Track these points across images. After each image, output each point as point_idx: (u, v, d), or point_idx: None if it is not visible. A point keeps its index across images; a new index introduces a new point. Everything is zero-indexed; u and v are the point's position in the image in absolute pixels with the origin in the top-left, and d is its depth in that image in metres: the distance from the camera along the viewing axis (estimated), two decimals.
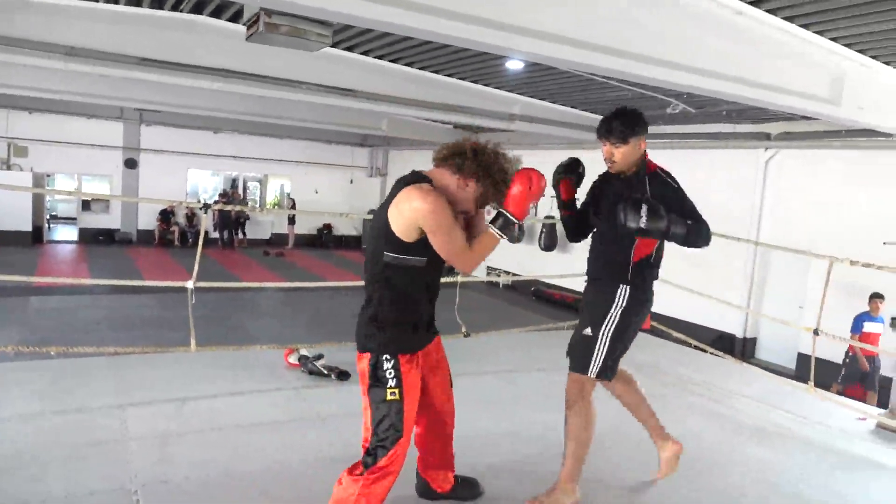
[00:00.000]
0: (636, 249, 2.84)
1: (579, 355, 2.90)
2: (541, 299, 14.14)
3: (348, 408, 3.94)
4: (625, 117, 2.84)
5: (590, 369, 2.85)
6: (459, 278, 5.26)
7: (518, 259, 14.92)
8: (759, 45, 5.61)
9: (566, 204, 3.11)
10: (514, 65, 8.30)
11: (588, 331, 2.87)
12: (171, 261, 15.78)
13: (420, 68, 9.02)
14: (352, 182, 21.79)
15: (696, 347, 5.76)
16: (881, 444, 4.08)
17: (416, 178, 2.36)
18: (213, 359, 4.62)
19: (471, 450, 3.46)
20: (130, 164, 18.52)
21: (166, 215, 18.90)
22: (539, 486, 3.02)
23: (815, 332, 4.61)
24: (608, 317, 2.83)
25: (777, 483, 3.39)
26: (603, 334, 2.83)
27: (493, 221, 2.35)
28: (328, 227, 21.53)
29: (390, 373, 2.32)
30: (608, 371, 2.87)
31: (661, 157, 11.59)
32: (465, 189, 2.35)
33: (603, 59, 4.99)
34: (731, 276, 10.30)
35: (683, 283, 6.95)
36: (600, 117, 9.32)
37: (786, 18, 5.35)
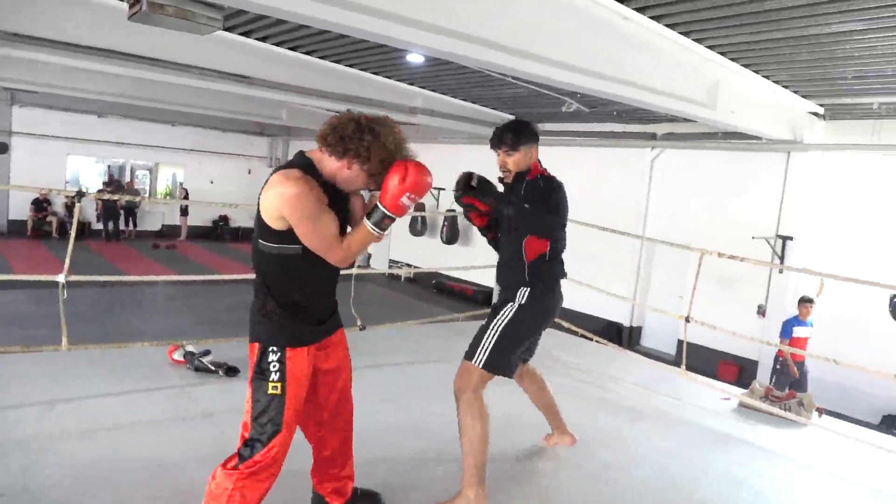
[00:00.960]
0: (527, 249, 2.90)
1: (471, 344, 2.93)
2: (442, 292, 14.30)
3: (235, 404, 3.79)
4: (515, 127, 2.94)
5: (475, 358, 2.85)
6: (355, 271, 5.22)
7: (420, 252, 15.01)
8: (645, 50, 5.93)
9: (482, 230, 3.14)
10: (415, 58, 8.30)
11: (484, 322, 2.95)
12: (48, 253, 14.62)
13: (320, 57, 8.84)
14: (250, 172, 21.05)
15: (582, 336, 6.02)
16: (742, 421, 4.45)
17: (293, 162, 2.23)
18: (89, 358, 4.32)
19: (366, 443, 3.45)
20: (0, 148, 16.96)
21: (40, 204, 17.48)
22: (435, 475, 3.05)
23: (687, 320, 4.95)
24: (503, 311, 2.89)
25: (647, 460, 3.62)
26: (494, 326, 2.87)
27: (368, 215, 2.23)
28: (224, 218, 20.71)
29: (274, 366, 2.22)
30: (498, 366, 2.85)
31: (556, 153, 12.06)
32: (349, 169, 2.20)
33: (501, 57, 5.10)
34: (619, 268, 10.84)
35: (573, 275, 7.25)
36: (499, 113, 9.56)
37: (668, 26, 5.67)
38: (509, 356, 2.88)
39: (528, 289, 2.89)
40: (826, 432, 4.30)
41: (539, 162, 3.01)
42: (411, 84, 10.39)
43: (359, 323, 4.99)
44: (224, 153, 20.42)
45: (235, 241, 20.18)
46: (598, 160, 11.54)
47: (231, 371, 4.23)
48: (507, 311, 2.88)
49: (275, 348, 2.23)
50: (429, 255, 14.37)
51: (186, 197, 19.16)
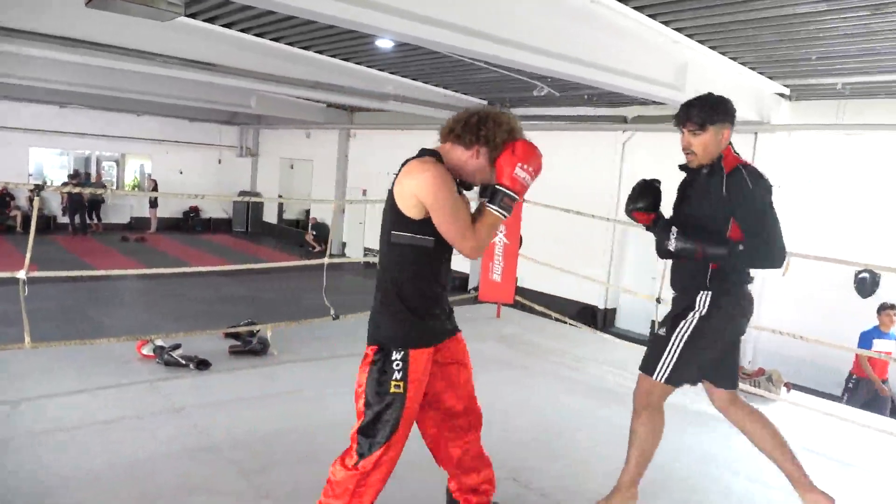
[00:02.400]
0: None
1: (649, 355, 2.68)
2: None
3: (207, 397, 3.79)
4: (705, 101, 2.58)
5: (657, 373, 2.60)
6: (326, 259, 5.17)
7: None
8: (613, 33, 5.93)
9: (650, 227, 2.83)
10: (385, 43, 8.21)
11: (662, 331, 2.67)
12: (12, 248, 14.26)
13: (288, 44, 8.69)
14: (220, 162, 20.75)
15: (556, 319, 6.06)
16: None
17: (422, 153, 2.23)
18: (54, 355, 4.23)
19: (339, 430, 3.45)
20: None
21: (2, 199, 17.02)
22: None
23: (658, 301, 5.01)
24: (685, 320, 2.59)
25: (621, 439, 3.65)
26: (676, 337, 2.58)
27: (490, 200, 2.18)
28: (195, 209, 20.40)
29: (398, 364, 2.17)
30: (681, 378, 2.63)
31: (529, 138, 11.94)
32: (478, 158, 2.20)
33: (471, 42, 5.07)
34: (593, 251, 10.92)
35: (548, 259, 7.29)
36: (471, 98, 9.46)
37: (636, 8, 5.67)
38: (693, 367, 2.65)
39: (710, 293, 2.57)
40: (794, 406, 4.40)
41: (732, 147, 2.62)
42: (382, 70, 10.27)
43: (332, 312, 4.96)
44: (193, 143, 20.06)
45: (207, 233, 19.92)
46: (571, 144, 11.57)
47: (202, 364, 4.18)
48: (689, 321, 2.58)
49: (399, 348, 2.19)
50: None
51: (155, 188, 18.82)
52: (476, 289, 6.43)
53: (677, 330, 2.59)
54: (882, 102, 8.00)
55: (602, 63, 6.07)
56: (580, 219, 6.57)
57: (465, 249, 2.16)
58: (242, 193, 19.99)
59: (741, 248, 2.43)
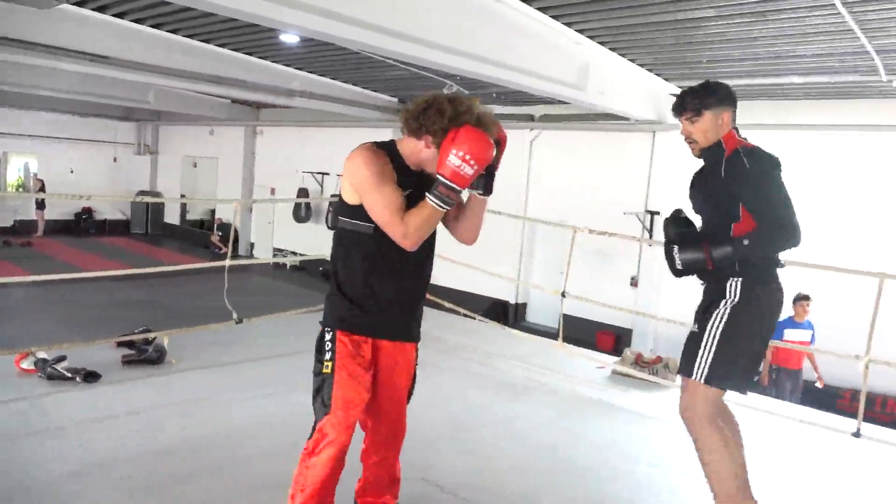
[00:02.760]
0: (736, 231, 2.39)
1: (685, 354, 2.48)
2: (330, 279, 14.02)
3: (94, 413, 3.53)
4: (699, 88, 2.52)
5: (695, 373, 2.39)
6: (228, 261, 4.96)
7: (305, 239, 14.65)
8: (519, 33, 6.03)
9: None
10: (290, 38, 7.98)
11: (694, 327, 2.48)
12: None
13: (187, 36, 8.29)
14: (116, 160, 19.59)
15: (465, 315, 6.11)
16: (615, 387, 4.71)
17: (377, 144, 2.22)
18: None
19: (246, 438, 3.31)
20: None
21: None
22: None
23: (563, 295, 5.14)
24: (717, 311, 2.41)
25: (526, 432, 3.73)
26: (709, 332, 2.40)
27: (430, 188, 2.06)
28: (88, 210, 19.16)
29: (328, 345, 2.20)
30: (723, 377, 2.39)
31: (488, 123, 11.87)
32: (429, 148, 2.12)
33: (377, 39, 5.00)
34: (504, 247, 11.09)
35: (459, 256, 7.33)
36: (381, 95, 9.35)
37: (540, 9, 5.79)
38: (735, 364, 2.40)
39: (741, 279, 2.39)
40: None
41: (737, 131, 2.51)
42: (288, 65, 10.01)
43: (235, 316, 4.76)
44: (85, 140, 18.84)
45: (101, 235, 18.76)
46: None
47: (90, 377, 3.89)
48: (722, 312, 2.40)
49: (329, 328, 2.21)
50: (315, 241, 14.02)
51: (42, 189, 17.50)
52: None
53: (710, 323, 2.40)
54: (765, 104, 8.58)
55: (508, 62, 6.16)
56: (490, 216, 6.64)
57: (397, 238, 2.08)
58: (141, 193, 18.96)
59: (746, 242, 2.29)
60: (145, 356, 4.24)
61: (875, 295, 3.85)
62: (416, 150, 2.15)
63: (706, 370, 2.37)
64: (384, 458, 2.39)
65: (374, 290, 2.19)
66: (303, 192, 14.60)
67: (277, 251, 15.70)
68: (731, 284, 2.40)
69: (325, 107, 11.24)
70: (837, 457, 3.73)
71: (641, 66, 7.70)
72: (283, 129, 15.67)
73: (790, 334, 6.71)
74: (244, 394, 3.97)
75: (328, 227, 13.98)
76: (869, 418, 4.42)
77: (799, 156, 8.41)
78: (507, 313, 11.23)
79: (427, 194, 2.06)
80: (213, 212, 18.55)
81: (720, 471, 2.35)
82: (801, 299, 6.74)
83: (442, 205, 2.05)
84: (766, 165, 2.37)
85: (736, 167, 2.38)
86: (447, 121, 2.05)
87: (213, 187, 17.98)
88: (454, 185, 2.03)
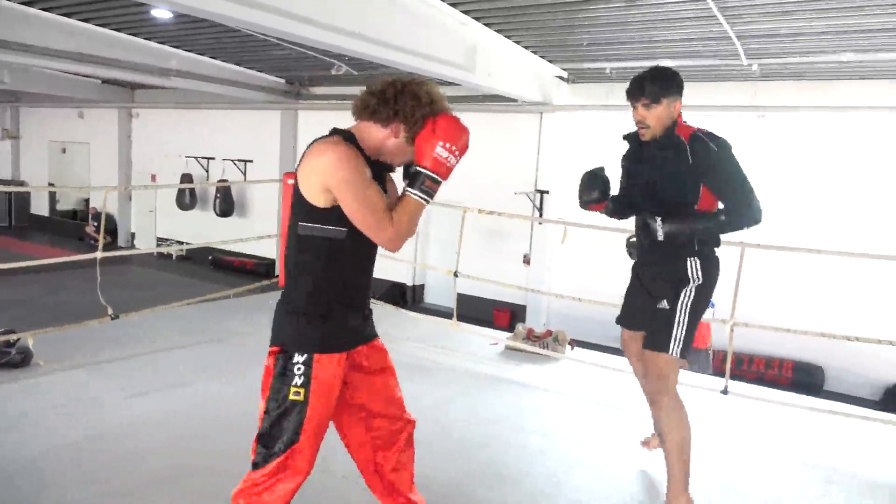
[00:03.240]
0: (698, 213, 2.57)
1: (657, 330, 2.59)
2: (220, 267, 13.48)
3: None
4: (657, 74, 2.57)
5: (671, 348, 2.54)
6: (99, 254, 4.63)
7: (191, 227, 13.97)
8: (404, 12, 5.98)
9: (606, 211, 2.88)
10: (162, 14, 7.49)
11: (664, 304, 2.59)
12: None
13: (44, 9, 7.59)
14: None
15: None
16: (508, 362, 4.87)
17: (333, 133, 1.95)
18: None
19: (124, 440, 3.12)
20: None
21: None
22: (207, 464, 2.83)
23: (455, 274, 5.22)
24: (685, 290, 2.56)
25: (422, 412, 3.75)
26: (681, 308, 2.55)
27: (410, 183, 1.93)
28: None
29: (299, 368, 1.91)
30: (687, 351, 2.58)
31: (329, 118, 11.78)
32: (397, 137, 1.94)
33: (253, 15, 4.77)
34: None
35: None
36: (265, 76, 8.93)
37: None
38: (692, 338, 2.61)
39: (698, 259, 2.56)
40: (577, 363, 4.84)
41: (682, 116, 2.62)
42: (163, 43, 9.40)
43: (110, 312, 4.46)
44: None
45: None
46: None
47: None
48: (689, 291, 2.56)
49: (300, 352, 1.92)
50: (202, 229, 13.40)
51: None
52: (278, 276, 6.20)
53: (680, 301, 2.55)
54: None
55: (395, 43, 6.11)
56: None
57: (384, 241, 1.92)
58: (1, 182, 17.29)
59: (723, 217, 2.47)
60: (7, 360, 3.88)
61: (737, 263, 4.18)
62: (379, 139, 1.96)
63: (681, 345, 2.54)
64: (401, 459, 2.21)
65: (353, 300, 2.03)
66: (186, 178, 13.87)
67: (161, 241, 14.86)
68: (691, 265, 2.55)
69: (207, 88, 10.68)
70: (707, 413, 4.03)
71: (527, 48, 7.88)
72: (161, 112, 14.76)
73: None
74: (120, 393, 3.74)
75: (216, 214, 13.40)
76: (736, 376, 4.84)
77: None
78: (405, 295, 11.27)
79: (410, 189, 1.93)
80: (87, 201, 17.24)
81: (677, 438, 2.53)
82: None
83: (428, 199, 1.95)
84: (729, 150, 2.50)
85: (702, 152, 2.47)
86: (426, 108, 1.93)
87: (85, 174, 16.69)
88: (439, 178, 1.93)
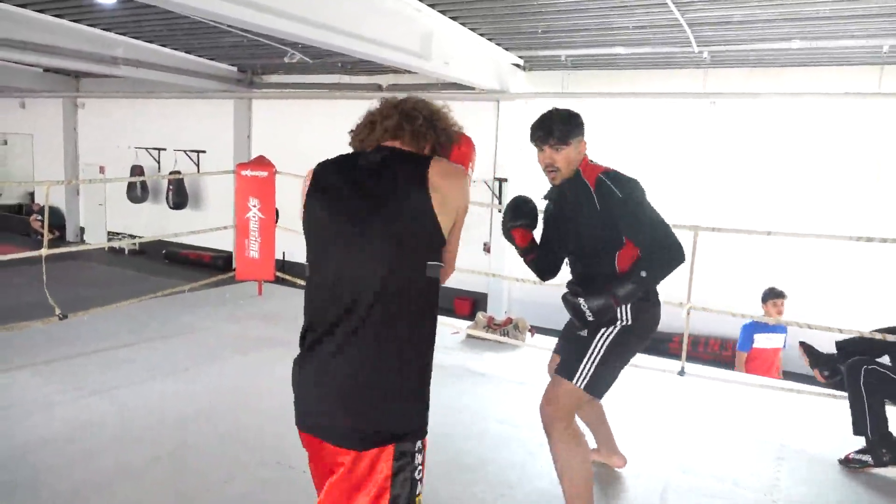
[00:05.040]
0: (619, 260, 2.40)
1: (567, 358, 2.46)
2: (175, 261, 13.14)
3: None
4: (565, 116, 2.45)
5: (577, 377, 2.36)
6: (44, 250, 4.44)
7: (143, 220, 13.59)
8: (363, 1, 5.89)
9: (526, 250, 2.63)
10: None
11: (584, 332, 2.42)
12: None
13: None
14: None
15: None
16: (469, 351, 4.89)
17: (413, 155, 1.61)
18: None
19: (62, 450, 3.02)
20: None
21: None
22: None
23: None
24: (608, 329, 2.39)
25: None
26: (596, 343, 2.38)
27: None
28: None
29: (418, 470, 1.50)
30: (598, 387, 2.40)
31: (284, 106, 11.66)
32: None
33: (204, 1, 4.64)
34: None
35: None
36: (218, 64, 8.71)
37: None
38: (612, 378, 2.44)
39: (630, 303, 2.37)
40: (537, 350, 4.87)
41: (588, 157, 2.51)
42: (108, 30, 9.06)
43: (58, 312, 4.29)
44: None
45: None
46: (328, 112, 11.38)
47: None
48: (611, 331, 2.39)
49: (419, 439, 1.53)
50: (154, 222, 13.05)
51: None
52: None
53: (600, 334, 2.39)
54: (598, 73, 9.12)
55: (350, 30, 6.00)
56: None
57: (449, 273, 1.64)
58: None
59: (644, 273, 2.27)
60: None
61: (691, 246, 4.25)
62: None
63: (587, 379, 2.36)
64: None
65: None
66: (137, 170, 13.44)
67: (112, 235, 14.41)
68: (621, 309, 2.37)
69: (157, 76, 10.33)
70: (664, 394, 4.12)
71: (482, 35, 7.84)
72: (109, 102, 14.24)
73: (761, 340, 5.26)
74: (68, 394, 3.60)
75: (169, 207, 13.05)
76: (693, 358, 4.95)
77: (625, 122, 9.09)
78: None
79: None
80: (31, 194, 16.58)
81: (573, 469, 2.36)
82: (773, 297, 5.21)
83: None
84: (635, 190, 2.37)
85: (608, 197, 2.35)
86: (452, 132, 1.72)
87: (29, 167, 16.04)
88: None
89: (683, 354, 4.36)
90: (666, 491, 2.97)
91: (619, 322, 2.39)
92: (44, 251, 4.41)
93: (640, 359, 4.65)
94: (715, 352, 8.60)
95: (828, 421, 3.81)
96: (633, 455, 3.09)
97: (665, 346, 7.72)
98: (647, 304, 2.43)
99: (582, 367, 2.37)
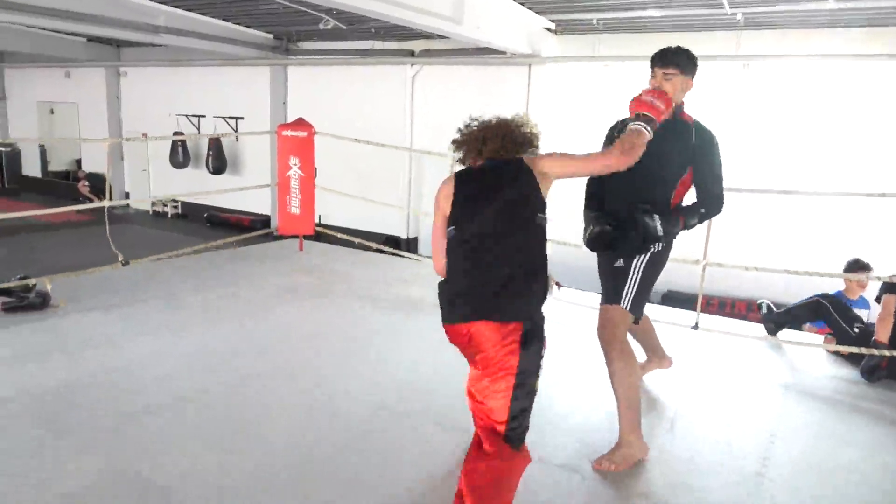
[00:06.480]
0: (678, 194, 2.77)
1: (610, 286, 2.78)
2: (216, 225, 13.64)
3: None
4: (686, 51, 2.71)
5: (623, 300, 2.72)
6: (107, 202, 4.82)
7: (185, 185, 14.07)
8: None
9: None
10: None
11: (620, 262, 2.75)
12: None
13: None
14: None
15: (360, 246, 6.30)
16: None
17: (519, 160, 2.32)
18: None
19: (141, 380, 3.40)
20: None
21: None
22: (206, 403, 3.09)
23: None
24: (642, 256, 2.73)
25: (419, 348, 4.05)
26: (635, 267, 2.72)
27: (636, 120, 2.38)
28: None
29: (542, 349, 2.14)
30: (640, 307, 2.77)
31: (320, 73, 11.89)
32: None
33: None
34: (392, 182, 11.26)
35: (349, 192, 7.45)
36: (255, 31, 9.06)
37: None
38: (647, 297, 2.82)
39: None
40: (563, 303, 5.12)
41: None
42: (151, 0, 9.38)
43: (120, 258, 4.68)
44: None
45: None
46: (362, 78, 11.62)
47: None
48: (643, 258, 2.73)
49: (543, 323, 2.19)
50: (196, 187, 13.51)
51: None
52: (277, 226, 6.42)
53: (635, 262, 2.73)
54: (629, 37, 9.13)
55: None
56: (377, 151, 6.77)
57: (612, 163, 2.32)
58: None
59: (703, 210, 2.72)
60: (27, 302, 4.12)
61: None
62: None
63: (631, 301, 2.73)
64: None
65: None
66: (178, 133, 13.90)
67: (156, 200, 14.97)
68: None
69: (196, 44, 10.67)
70: (680, 345, 4.32)
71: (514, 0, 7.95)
72: (150, 70, 14.68)
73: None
74: (137, 335, 3.98)
75: (209, 172, 13.50)
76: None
77: None
78: (399, 248, 11.51)
79: (638, 123, 2.41)
80: (78, 161, 17.24)
81: (627, 385, 2.68)
82: (857, 269, 4.75)
83: (644, 126, 2.41)
84: (718, 145, 2.73)
85: (706, 137, 2.69)
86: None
87: (75, 135, 16.65)
88: (649, 115, 2.43)
89: (698, 309, 4.55)
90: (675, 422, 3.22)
91: (651, 249, 2.72)
92: (107, 203, 4.79)
93: (656, 312, 4.89)
94: (741, 313, 8.73)
95: (827, 368, 4.01)
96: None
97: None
98: (670, 238, 2.78)
99: (625, 292, 2.72)
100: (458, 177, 2.34)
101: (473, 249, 2.17)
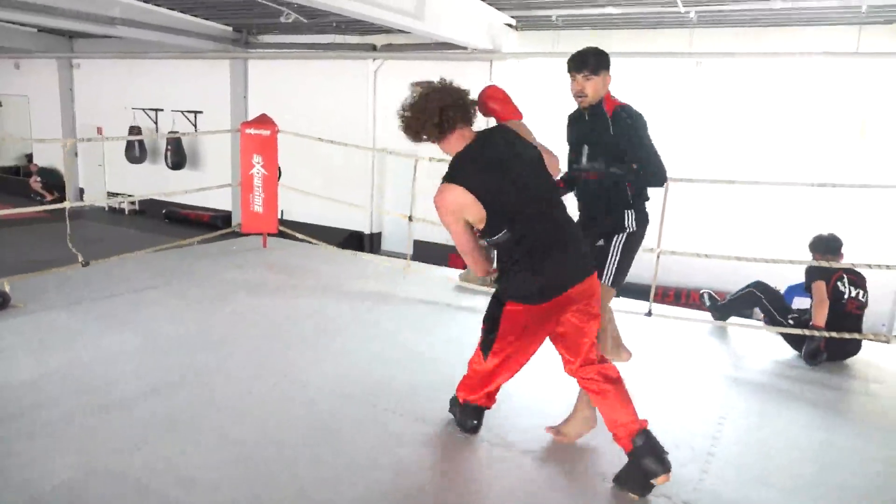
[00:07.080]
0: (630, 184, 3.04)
1: (596, 264, 2.98)
2: (175, 221, 13.43)
3: None
4: (597, 51, 2.95)
5: (605, 276, 2.97)
6: (67, 204, 4.76)
7: (142, 180, 13.81)
8: None
9: (563, 190, 3.19)
10: None
11: (601, 242, 3.02)
12: None
13: None
14: None
15: (318, 244, 6.34)
16: (460, 294, 5.26)
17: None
18: None
19: (103, 367, 3.40)
20: None
21: None
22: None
23: (410, 219, 5.54)
24: (619, 236, 3.00)
25: (379, 337, 4.16)
26: (614, 247, 3.00)
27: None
28: None
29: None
30: (619, 283, 3.04)
31: (279, 66, 11.74)
32: None
33: None
34: (354, 179, 11.27)
35: (311, 189, 7.46)
36: (213, 24, 8.93)
37: None
38: (626, 273, 3.06)
39: (633, 211, 3.01)
40: None
41: (610, 92, 3.02)
42: None
43: (80, 259, 4.63)
44: None
45: None
46: (324, 72, 11.58)
47: None
48: (623, 236, 3.01)
49: None
50: (153, 182, 13.28)
51: None
52: (239, 224, 6.42)
53: (613, 241, 3.02)
54: (588, 33, 9.32)
55: None
56: (339, 147, 6.80)
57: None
58: None
59: (649, 180, 2.97)
60: None
61: (662, 197, 4.56)
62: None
63: (612, 276, 3.01)
64: None
65: None
66: (135, 131, 13.62)
67: (111, 195, 14.65)
68: (627, 215, 3.02)
69: (152, 36, 10.47)
70: (634, 332, 4.49)
71: None
72: (104, 62, 14.32)
73: (799, 303, 4.87)
74: (98, 328, 3.98)
75: (168, 167, 13.28)
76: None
77: (614, 81, 9.31)
78: (362, 244, 11.54)
79: None
80: (29, 156, 16.72)
81: (613, 328, 3.17)
82: (828, 252, 4.37)
83: None
84: (641, 118, 2.95)
85: (621, 124, 2.93)
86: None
87: (25, 129, 16.14)
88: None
89: (651, 297, 4.74)
90: None
91: (625, 229, 3.02)
92: (68, 204, 4.73)
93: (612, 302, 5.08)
94: (694, 302, 9.02)
95: (772, 352, 4.25)
96: None
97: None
98: (643, 217, 3.08)
99: (606, 269, 3.02)
100: (469, 177, 2.47)
101: (546, 225, 2.54)
